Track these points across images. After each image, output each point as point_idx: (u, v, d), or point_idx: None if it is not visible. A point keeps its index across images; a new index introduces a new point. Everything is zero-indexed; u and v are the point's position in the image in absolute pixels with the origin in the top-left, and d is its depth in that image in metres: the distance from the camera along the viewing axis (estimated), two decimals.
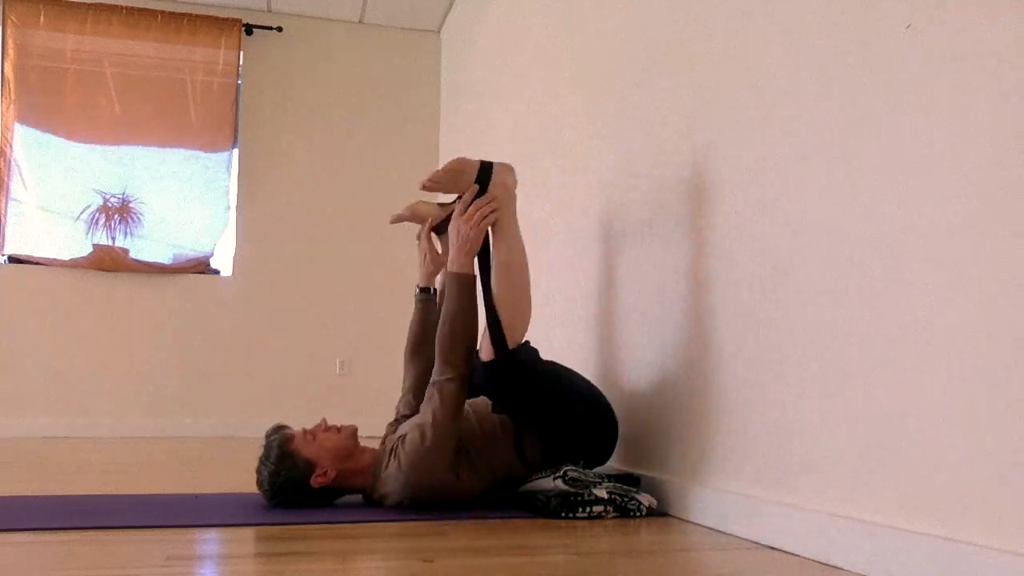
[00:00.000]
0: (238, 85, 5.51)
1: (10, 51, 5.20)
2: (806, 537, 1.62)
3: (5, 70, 5.18)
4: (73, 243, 5.20)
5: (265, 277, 5.48)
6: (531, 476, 2.18)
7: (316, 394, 5.42)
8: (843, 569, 1.51)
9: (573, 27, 3.16)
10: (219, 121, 5.44)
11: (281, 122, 5.59)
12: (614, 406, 2.36)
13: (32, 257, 5.15)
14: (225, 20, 5.47)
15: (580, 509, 2.05)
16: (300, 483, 2.11)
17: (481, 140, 4.63)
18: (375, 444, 2.32)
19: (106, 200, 5.26)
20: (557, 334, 3.06)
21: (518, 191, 2.31)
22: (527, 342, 2.21)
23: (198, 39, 5.43)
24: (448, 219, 2.48)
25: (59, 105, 5.23)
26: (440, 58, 5.87)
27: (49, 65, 5.25)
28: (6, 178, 5.10)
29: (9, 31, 5.20)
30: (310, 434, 2.15)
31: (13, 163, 5.13)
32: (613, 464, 2.49)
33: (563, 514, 2.03)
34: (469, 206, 2.20)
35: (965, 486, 1.29)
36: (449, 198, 2.39)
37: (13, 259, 5.14)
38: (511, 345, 2.12)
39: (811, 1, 1.73)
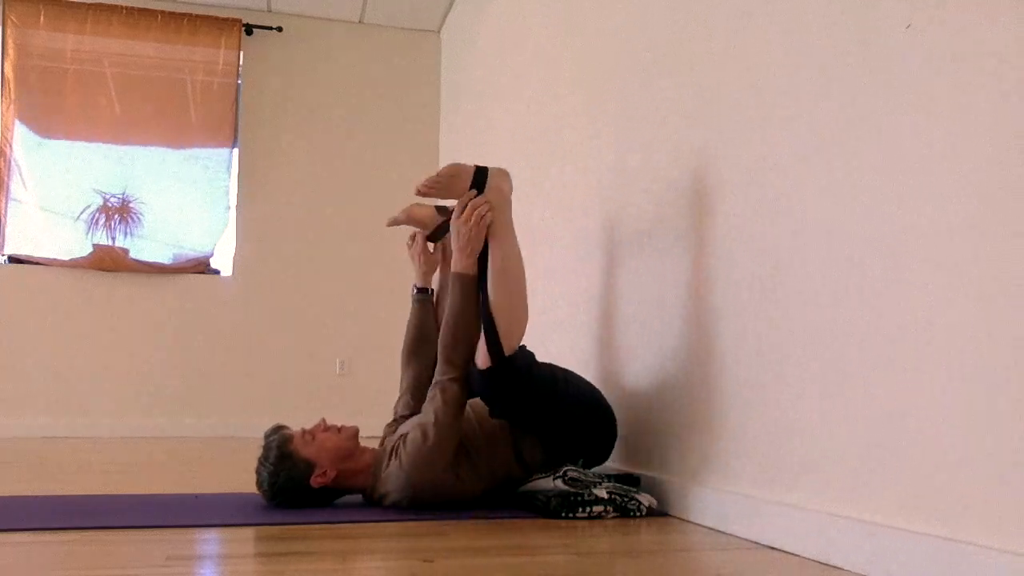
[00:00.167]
0: (238, 85, 5.51)
1: (10, 51, 5.20)
2: (806, 537, 1.62)
3: (5, 70, 5.18)
4: (73, 243, 5.21)
5: (265, 277, 5.48)
6: (531, 476, 2.19)
7: (316, 394, 5.42)
8: (843, 569, 1.51)
9: (573, 27, 3.16)
10: (219, 121, 5.44)
11: (281, 122, 5.59)
12: (614, 406, 2.36)
13: (32, 257, 5.15)
14: (225, 20, 5.47)
15: (580, 509, 2.05)
16: (300, 483, 2.11)
17: (481, 140, 4.63)
18: (374, 445, 2.32)
19: (106, 200, 5.26)
20: (557, 334, 3.06)
21: (513, 197, 2.31)
22: (523, 346, 2.21)
23: (198, 39, 5.43)
24: (441, 227, 2.52)
25: (59, 105, 5.23)
26: (440, 58, 5.87)
27: (49, 65, 5.25)
28: (6, 178, 5.10)
29: (9, 31, 5.20)
30: (309, 434, 2.15)
31: (13, 163, 5.13)
32: (613, 464, 2.49)
33: (563, 514, 2.03)
34: (465, 207, 2.20)
35: (965, 486, 1.29)
36: (445, 203, 2.40)
37: (13, 259, 5.14)
38: (507, 352, 2.12)
39: (811, 1, 1.73)
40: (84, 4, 5.29)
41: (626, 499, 2.09)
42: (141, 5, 5.40)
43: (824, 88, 1.67)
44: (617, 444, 2.39)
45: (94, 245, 5.20)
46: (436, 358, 2.53)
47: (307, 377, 5.44)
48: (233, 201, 5.49)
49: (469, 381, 2.16)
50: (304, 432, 2.16)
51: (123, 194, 5.29)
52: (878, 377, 1.48)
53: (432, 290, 2.59)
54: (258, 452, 2.16)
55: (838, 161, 1.62)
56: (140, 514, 2.01)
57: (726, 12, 2.05)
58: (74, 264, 5.17)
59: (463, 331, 2.18)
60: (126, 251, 5.25)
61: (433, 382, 2.19)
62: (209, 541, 1.73)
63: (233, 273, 5.46)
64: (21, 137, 5.17)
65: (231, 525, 1.90)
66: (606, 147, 2.77)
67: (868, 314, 1.51)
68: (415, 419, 2.22)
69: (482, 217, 2.19)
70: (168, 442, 4.66)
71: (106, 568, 1.45)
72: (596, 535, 1.85)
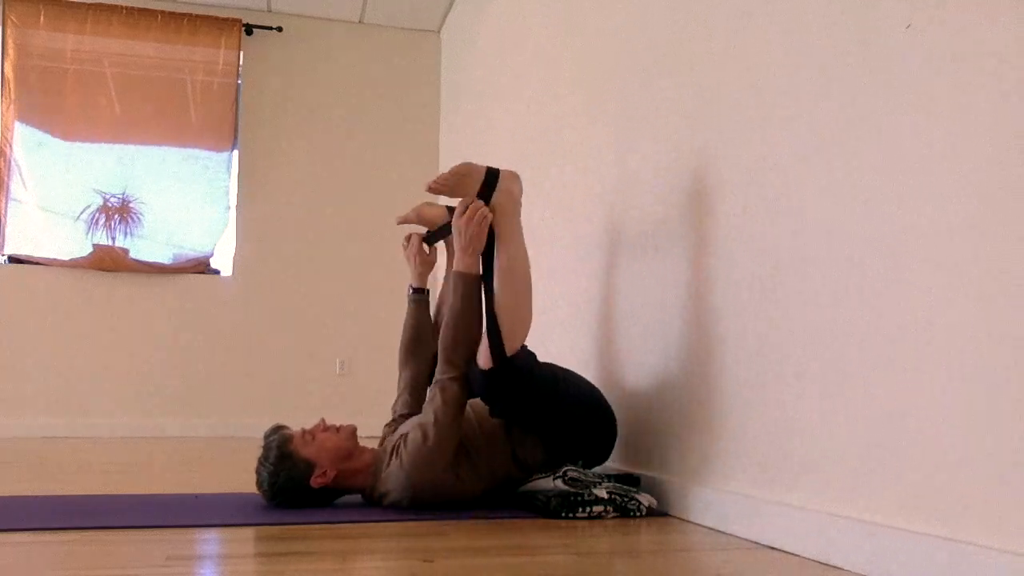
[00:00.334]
0: (238, 85, 5.51)
1: (10, 51, 5.20)
2: (806, 537, 1.62)
3: (5, 70, 5.18)
4: (73, 243, 5.20)
5: (265, 277, 5.48)
6: (531, 477, 2.19)
7: (316, 394, 5.42)
8: (843, 569, 1.51)
9: (573, 27, 3.16)
10: (219, 121, 5.44)
11: (281, 122, 5.59)
12: (614, 406, 2.36)
13: (32, 257, 5.15)
14: (225, 20, 5.47)
15: (580, 509, 2.05)
16: (299, 483, 2.11)
17: (481, 140, 4.63)
18: (374, 445, 2.32)
19: (106, 200, 5.26)
20: (558, 334, 3.06)
21: (523, 199, 2.32)
22: (524, 346, 2.21)
23: (198, 39, 5.43)
24: (437, 231, 2.54)
25: (59, 105, 5.23)
26: (440, 58, 5.87)
27: (49, 65, 5.25)
28: (6, 178, 5.10)
29: (9, 31, 5.20)
30: (309, 434, 2.15)
31: (13, 163, 5.13)
32: (613, 464, 2.49)
33: (563, 514, 2.03)
34: (467, 208, 2.20)
35: (965, 486, 1.29)
36: (454, 202, 2.41)
37: (13, 259, 5.14)
38: (509, 353, 2.12)
39: (811, 1, 1.73)
40: (84, 4, 5.29)
41: (626, 499, 2.09)
42: (141, 5, 5.40)
43: (824, 88, 1.67)
44: (617, 444, 2.39)
45: (94, 245, 5.20)
46: (433, 357, 2.54)
47: (307, 377, 5.44)
48: (233, 201, 5.49)
49: (470, 381, 2.16)
50: (304, 432, 2.16)
51: (123, 194, 5.30)
52: (878, 377, 1.48)
53: (428, 290, 2.61)
54: (258, 452, 2.16)
55: (838, 161, 1.62)
56: (140, 514, 2.01)
57: (726, 12, 2.05)
58: (74, 264, 5.17)
59: (463, 331, 2.18)
60: (126, 251, 5.25)
61: (433, 381, 2.19)
62: (209, 541, 1.73)
63: (233, 273, 5.46)
64: (21, 137, 5.17)
65: (231, 525, 1.90)
66: (606, 147, 2.77)
67: (868, 314, 1.51)
68: (415, 419, 2.22)
69: (484, 217, 2.19)
70: (168, 442, 4.66)
71: (106, 568, 1.45)
72: (596, 535, 1.85)
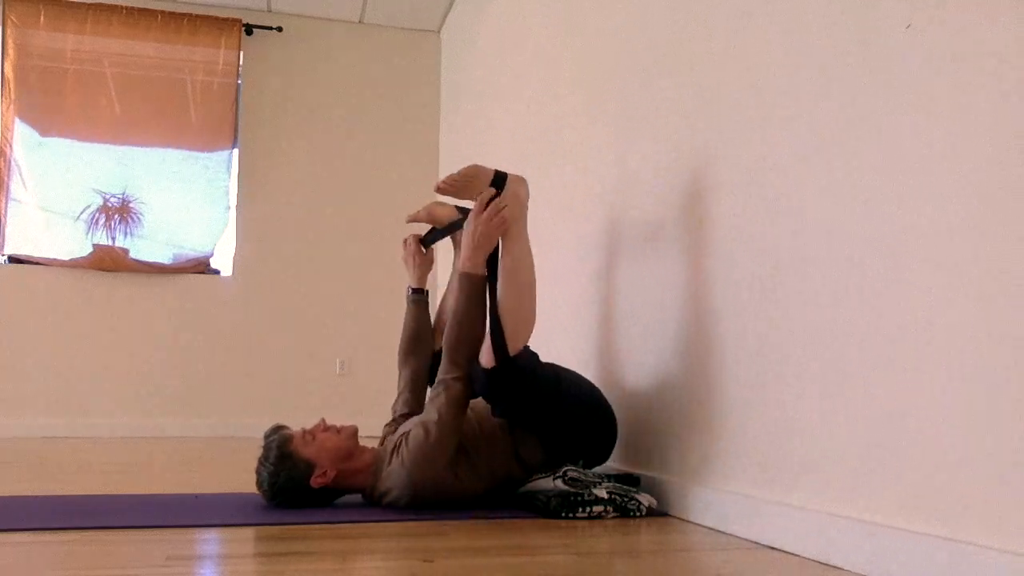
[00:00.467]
0: (238, 85, 5.51)
1: (10, 51, 5.20)
2: (806, 537, 1.62)
3: (5, 70, 5.18)
4: (73, 243, 5.21)
5: (265, 277, 5.48)
6: (531, 476, 2.19)
7: (316, 394, 5.42)
8: (843, 569, 1.51)
9: (573, 27, 3.16)
10: (219, 121, 5.44)
11: (281, 122, 5.59)
12: (614, 406, 2.36)
13: (32, 257, 5.15)
14: (225, 20, 5.47)
15: (580, 509, 2.05)
16: (300, 483, 2.11)
17: (481, 140, 4.63)
18: (374, 445, 2.32)
19: (106, 200, 5.26)
20: (557, 334, 3.05)
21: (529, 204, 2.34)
22: (526, 346, 2.21)
23: (198, 39, 5.43)
24: (435, 234, 2.58)
25: (59, 105, 5.23)
26: (440, 58, 5.87)
27: (49, 65, 5.25)
28: (6, 178, 5.10)
29: (9, 31, 5.20)
30: (309, 434, 2.15)
31: (13, 163, 5.13)
32: (613, 464, 2.49)
33: (563, 514, 2.03)
34: (487, 206, 2.21)
35: (965, 486, 1.29)
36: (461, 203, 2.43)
37: (13, 259, 5.14)
38: (512, 353, 2.12)
39: (811, 1, 1.73)
40: (84, 4, 5.29)
41: (626, 499, 2.09)
42: (141, 5, 5.40)
43: (824, 88, 1.67)
44: (617, 444, 2.39)
45: (94, 245, 5.20)
46: (433, 357, 2.54)
47: (307, 377, 5.44)
48: (233, 201, 5.49)
49: (473, 382, 2.16)
50: (304, 432, 2.16)
51: (123, 194, 5.30)
52: (878, 377, 1.48)
53: (427, 291, 2.62)
54: (258, 452, 2.16)
55: (838, 161, 1.62)
56: (140, 514, 2.01)
57: (726, 12, 2.05)
58: (74, 264, 5.17)
59: (468, 331, 2.18)
60: (126, 251, 5.25)
61: (436, 380, 2.19)
62: (209, 541, 1.73)
63: (233, 273, 5.46)
64: (21, 137, 5.17)
65: (231, 525, 1.90)
66: (606, 147, 2.77)
67: (868, 314, 1.51)
68: (417, 417, 2.22)
69: (504, 220, 2.20)
70: (168, 442, 4.66)
71: (106, 568, 1.45)
72: (596, 535, 1.85)
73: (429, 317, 2.62)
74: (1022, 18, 1.24)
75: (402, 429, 2.23)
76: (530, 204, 2.35)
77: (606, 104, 2.79)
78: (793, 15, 1.79)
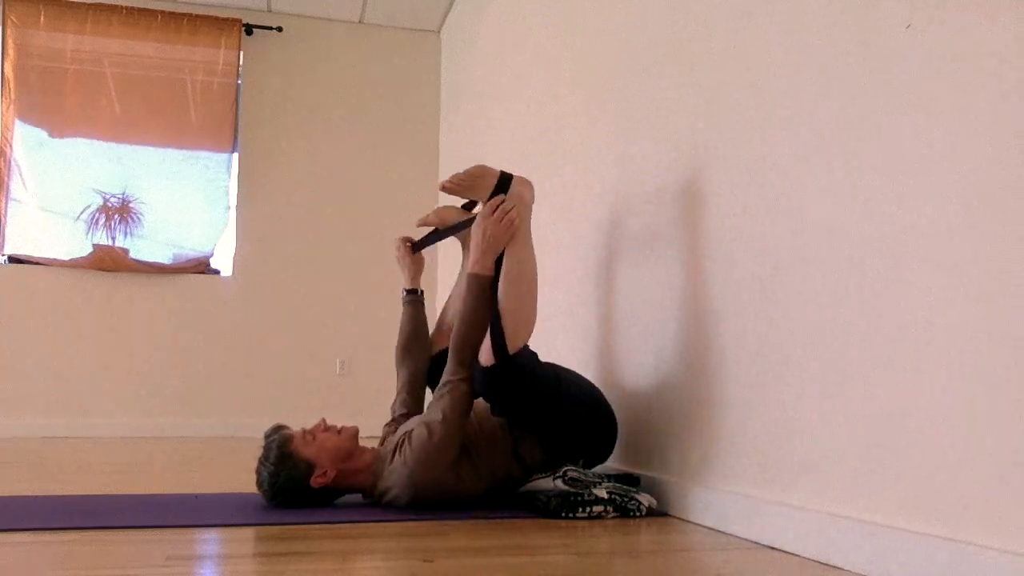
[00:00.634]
0: (238, 85, 5.51)
1: (10, 51, 5.20)
2: (806, 537, 1.62)
3: (5, 70, 5.18)
4: (73, 243, 5.21)
5: (265, 277, 5.48)
6: (531, 476, 2.19)
7: (316, 394, 5.42)
8: (843, 569, 1.51)
9: (573, 27, 3.16)
10: (219, 121, 5.44)
11: (281, 122, 5.59)
12: (614, 406, 2.36)
13: (32, 257, 5.15)
14: (225, 20, 5.47)
15: (580, 509, 2.05)
16: (300, 483, 2.11)
17: (481, 140, 4.63)
18: (373, 445, 2.32)
19: (106, 200, 5.26)
20: (557, 334, 3.05)
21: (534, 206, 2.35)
22: (526, 346, 2.21)
23: (198, 39, 5.43)
24: (425, 239, 2.62)
25: (59, 105, 5.23)
26: (440, 58, 5.87)
27: (49, 65, 5.24)
28: (6, 178, 5.10)
29: (9, 31, 5.20)
30: (310, 434, 2.15)
31: (13, 163, 5.13)
32: (613, 464, 2.49)
33: (563, 514, 2.03)
34: (497, 208, 2.22)
35: (965, 486, 1.29)
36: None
37: (13, 259, 5.14)
38: (511, 351, 2.12)
39: (811, 1, 1.73)
40: (84, 4, 5.29)
41: (626, 499, 2.09)
42: (141, 5, 5.40)
43: (824, 88, 1.67)
44: (617, 444, 2.39)
45: (94, 245, 5.20)
46: (430, 357, 2.55)
47: (307, 377, 5.44)
48: (233, 201, 5.49)
49: (473, 380, 2.17)
50: (304, 432, 2.16)
51: (123, 194, 5.30)
52: (878, 377, 1.48)
53: (422, 291, 2.65)
54: (258, 452, 2.16)
55: (838, 161, 1.62)
56: (140, 514, 2.01)
57: (726, 12, 2.05)
58: (74, 264, 5.17)
59: (476, 331, 2.18)
60: (126, 251, 5.25)
61: (442, 381, 2.19)
62: (209, 541, 1.73)
63: (233, 273, 5.46)
64: (21, 137, 5.17)
65: (231, 525, 1.90)
66: (606, 147, 2.77)
67: (868, 314, 1.51)
68: (419, 417, 2.22)
69: (512, 222, 2.21)
70: (168, 442, 4.66)
71: (106, 568, 1.45)
72: (596, 535, 1.85)
73: (425, 317, 2.63)
74: (1022, 18, 1.24)
75: (404, 428, 2.23)
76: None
77: (606, 104, 2.79)
78: (793, 15, 1.79)
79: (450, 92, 5.56)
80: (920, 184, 1.41)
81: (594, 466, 2.29)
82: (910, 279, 1.42)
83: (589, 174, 2.90)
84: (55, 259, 5.16)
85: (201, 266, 5.41)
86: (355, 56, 5.74)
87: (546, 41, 3.50)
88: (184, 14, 5.42)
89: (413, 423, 2.20)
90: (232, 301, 5.42)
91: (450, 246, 4.83)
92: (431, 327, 2.66)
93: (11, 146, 5.13)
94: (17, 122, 5.16)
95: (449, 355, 2.22)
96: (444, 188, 2.31)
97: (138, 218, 5.30)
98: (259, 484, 2.14)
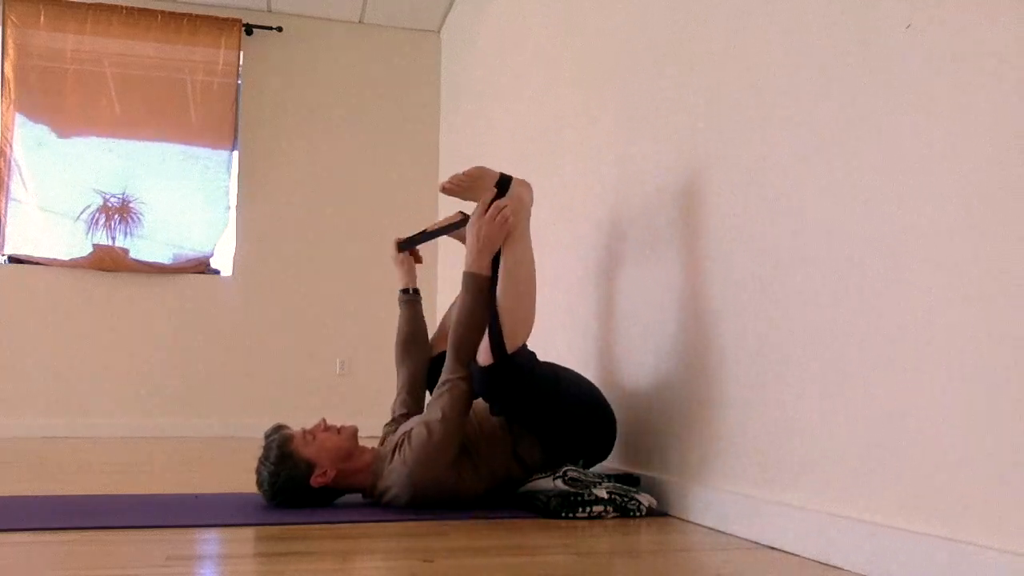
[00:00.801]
0: (238, 85, 5.51)
1: (10, 51, 5.20)
2: (806, 537, 1.62)
3: (5, 70, 5.18)
4: (73, 243, 5.21)
5: (265, 277, 5.48)
6: (531, 476, 2.19)
7: (316, 394, 5.42)
8: (843, 569, 1.51)
9: (573, 27, 3.16)
10: (219, 121, 5.44)
11: (281, 122, 5.59)
12: (614, 406, 2.36)
13: (32, 257, 5.15)
14: (225, 20, 5.47)
15: (580, 509, 2.05)
16: (300, 483, 2.11)
17: (481, 140, 4.63)
18: (373, 445, 2.32)
19: (106, 200, 5.26)
20: (557, 334, 3.06)
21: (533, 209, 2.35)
22: (524, 345, 2.21)
23: (198, 39, 5.43)
24: (410, 239, 2.63)
25: (59, 105, 5.23)
26: (440, 58, 5.87)
27: (49, 65, 5.25)
28: (6, 178, 5.10)
29: (9, 31, 5.20)
30: (310, 434, 2.15)
31: (13, 163, 5.13)
32: (613, 464, 2.49)
33: (563, 514, 2.03)
34: (489, 207, 2.23)
35: (965, 486, 1.29)
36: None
37: (13, 259, 5.14)
38: (510, 350, 2.12)
39: (811, 1, 1.73)
40: (84, 4, 5.29)
41: (626, 499, 2.09)
42: (141, 5, 5.40)
43: (824, 88, 1.67)
44: (617, 444, 2.39)
45: (94, 245, 5.20)
46: (430, 356, 2.55)
47: (307, 377, 5.44)
48: (233, 201, 5.49)
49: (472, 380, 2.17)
50: (304, 432, 2.16)
51: (123, 194, 5.30)
52: (878, 377, 1.48)
53: (414, 289, 2.67)
54: (258, 452, 2.16)
55: (838, 161, 1.62)
56: (140, 514, 2.01)
57: (726, 12, 2.05)
58: (74, 264, 5.17)
59: (473, 331, 2.18)
60: (126, 251, 5.25)
61: (441, 380, 2.19)
62: (209, 541, 1.73)
63: (233, 273, 5.46)
64: (21, 137, 5.17)
65: (231, 525, 1.90)
66: (606, 147, 2.77)
67: (868, 314, 1.51)
68: (419, 416, 2.22)
69: (506, 219, 2.21)
70: (168, 442, 4.66)
71: (106, 568, 1.45)
72: (596, 535, 1.85)
73: (423, 316, 2.63)
74: (1022, 18, 1.24)
75: (404, 428, 2.23)
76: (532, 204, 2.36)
77: (606, 104, 2.79)
78: (793, 15, 1.79)
79: (450, 92, 5.56)
80: (920, 184, 1.41)
81: (593, 466, 2.29)
82: (910, 279, 1.42)
83: (589, 174, 2.90)
84: (55, 259, 5.16)
85: (201, 266, 5.41)
86: (355, 56, 5.74)
87: (546, 41, 3.50)
88: (184, 14, 5.43)
89: (413, 423, 2.20)
90: (232, 301, 5.42)
91: (450, 246, 4.84)
92: (431, 329, 2.67)
93: (11, 146, 5.13)
94: (17, 122, 5.16)
95: (447, 354, 2.22)
96: (444, 189, 2.31)
97: (138, 218, 5.30)
98: (259, 484, 2.14)
